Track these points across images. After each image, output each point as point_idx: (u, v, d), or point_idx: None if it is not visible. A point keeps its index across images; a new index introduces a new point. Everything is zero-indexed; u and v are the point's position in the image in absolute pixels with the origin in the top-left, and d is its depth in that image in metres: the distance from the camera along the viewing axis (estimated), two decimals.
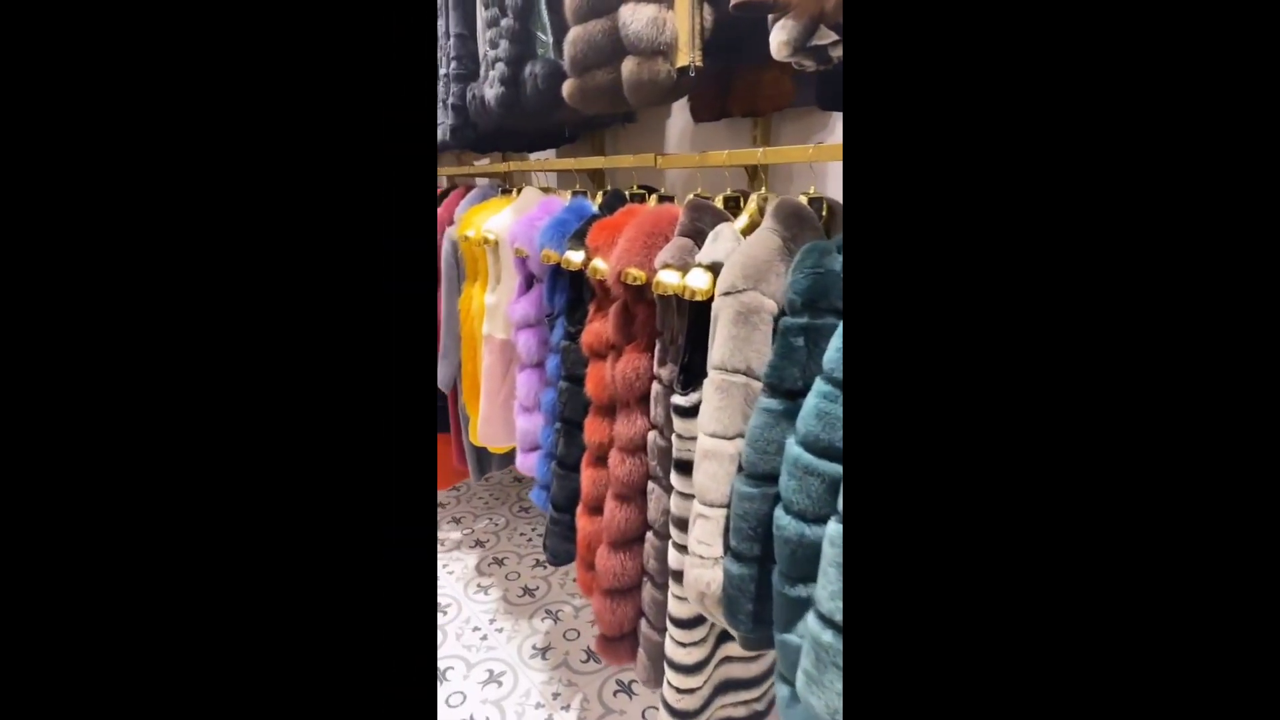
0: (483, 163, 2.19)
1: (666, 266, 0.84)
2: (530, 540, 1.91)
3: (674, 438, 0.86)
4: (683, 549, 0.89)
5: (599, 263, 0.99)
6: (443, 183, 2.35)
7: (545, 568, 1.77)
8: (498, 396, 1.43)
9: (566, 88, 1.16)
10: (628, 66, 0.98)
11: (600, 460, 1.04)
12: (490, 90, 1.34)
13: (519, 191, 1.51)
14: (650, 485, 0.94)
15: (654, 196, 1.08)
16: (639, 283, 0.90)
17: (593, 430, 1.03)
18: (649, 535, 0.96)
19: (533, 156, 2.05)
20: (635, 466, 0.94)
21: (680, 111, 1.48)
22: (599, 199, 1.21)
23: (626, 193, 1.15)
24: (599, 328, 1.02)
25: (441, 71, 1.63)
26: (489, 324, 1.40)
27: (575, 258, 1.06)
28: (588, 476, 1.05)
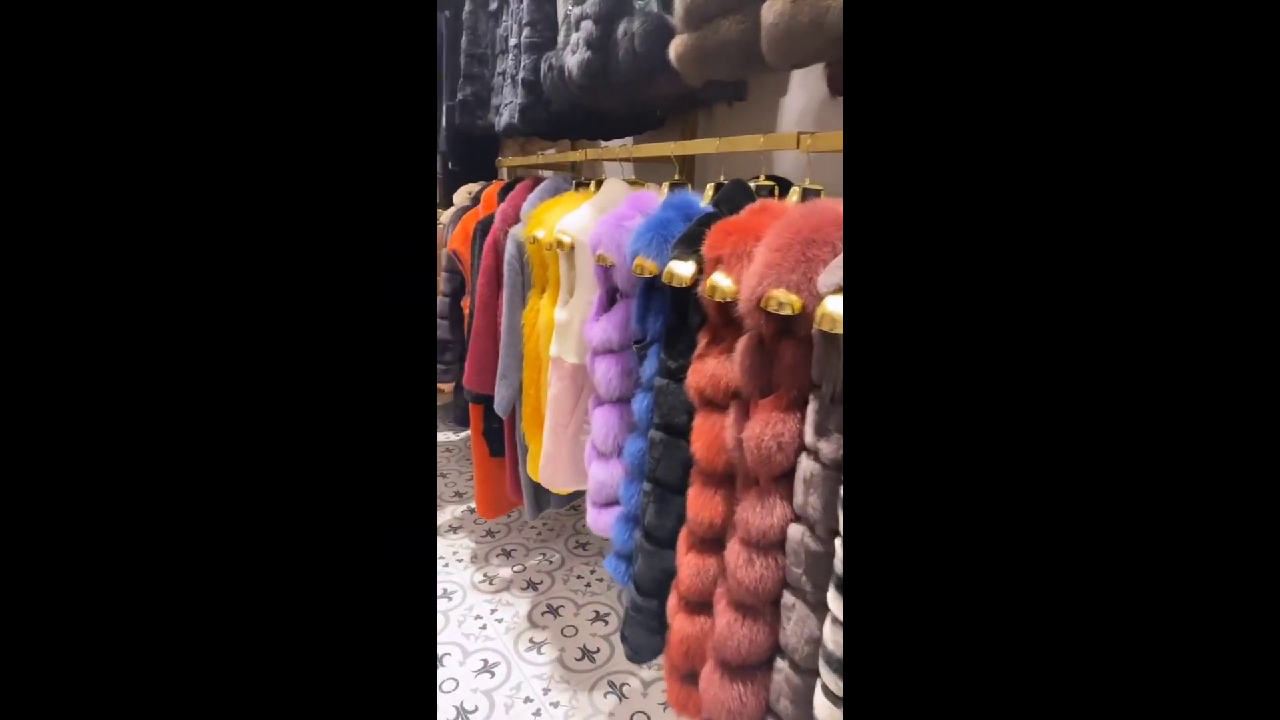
0: (550, 152, 1.96)
1: (840, 292, 0.57)
2: (589, 585, 1.66)
3: (839, 543, 0.59)
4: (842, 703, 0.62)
5: (720, 279, 0.72)
6: (503, 175, 2.14)
7: (606, 623, 1.52)
8: (565, 431, 1.19)
9: (677, 48, 0.90)
10: (776, 7, 0.71)
11: (709, 545, 0.78)
12: (572, 57, 1.10)
13: (598, 185, 1.26)
14: (789, 598, 0.67)
15: (796, 191, 0.80)
16: (790, 312, 0.62)
17: (700, 504, 0.77)
18: (782, 664, 0.69)
19: (605, 145, 1.80)
20: (768, 570, 0.67)
21: (802, 86, 1.20)
22: (709, 193, 0.94)
23: (751, 184, 0.88)
24: (715, 368, 0.75)
25: (512, 42, 1.40)
26: (558, 344, 1.16)
27: (683, 270, 0.79)
28: (690, 564, 0.79)
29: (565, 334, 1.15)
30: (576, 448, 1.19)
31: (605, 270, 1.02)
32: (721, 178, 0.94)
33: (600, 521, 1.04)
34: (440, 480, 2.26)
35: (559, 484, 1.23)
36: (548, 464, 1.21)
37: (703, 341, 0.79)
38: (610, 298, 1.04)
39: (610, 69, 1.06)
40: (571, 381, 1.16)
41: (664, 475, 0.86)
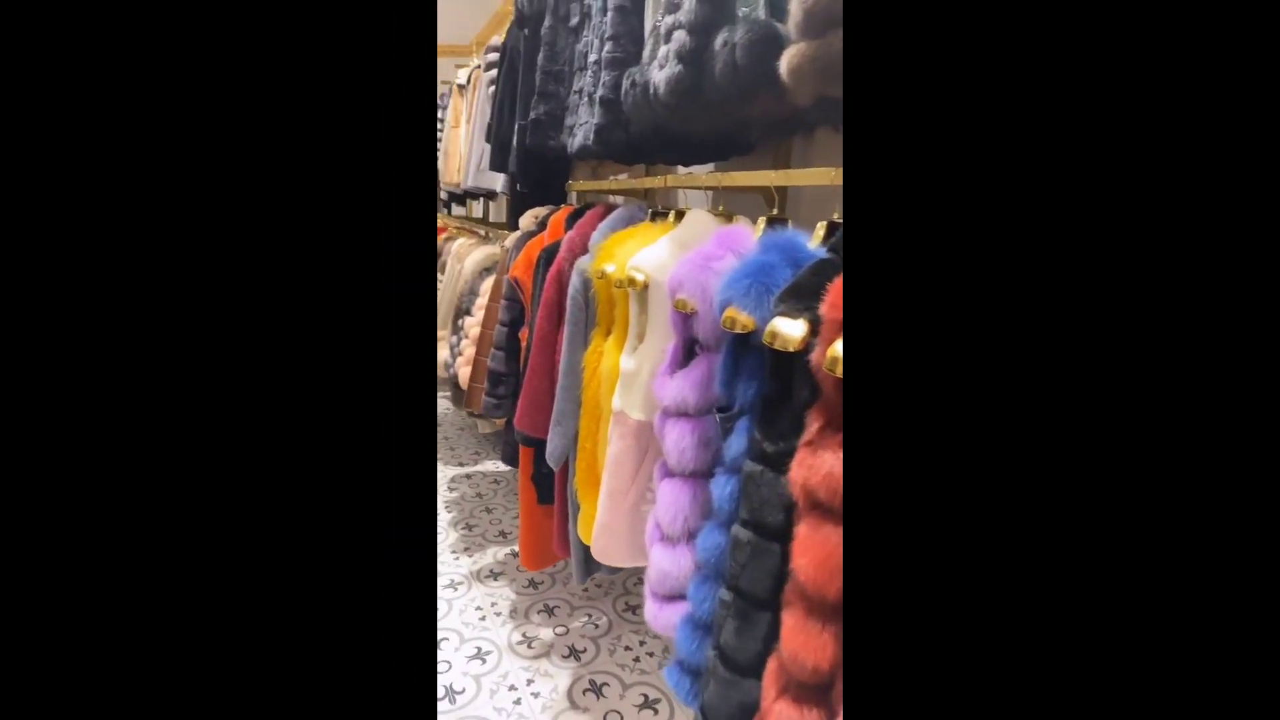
0: (623, 177, 1.84)
1: None
2: (638, 660, 1.48)
3: None
4: None
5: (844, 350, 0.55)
6: (573, 199, 2.04)
7: (655, 711, 1.33)
8: (624, 498, 1.03)
9: (791, 59, 0.74)
10: None
11: (811, 695, 0.59)
12: (660, 72, 0.96)
13: (679, 216, 1.12)
14: None
15: None
16: None
17: (802, 641, 0.59)
18: None
19: (682, 172, 1.66)
20: None
21: None
22: (820, 234, 0.77)
23: None
24: (834, 464, 0.57)
25: (591, 58, 1.29)
26: (622, 396, 1.00)
27: (790, 330, 0.62)
28: (783, 715, 0.60)
29: (631, 385, 1.00)
30: (636, 519, 1.03)
31: (684, 317, 0.86)
32: (836, 216, 0.77)
33: (662, 619, 0.86)
34: (485, 515, 2.14)
35: (613, 559, 1.06)
36: (601, 534, 1.05)
37: (814, 425, 0.61)
38: (688, 350, 0.88)
39: (704, 85, 0.91)
40: (635, 441, 1.01)
41: (749, 585, 0.68)
